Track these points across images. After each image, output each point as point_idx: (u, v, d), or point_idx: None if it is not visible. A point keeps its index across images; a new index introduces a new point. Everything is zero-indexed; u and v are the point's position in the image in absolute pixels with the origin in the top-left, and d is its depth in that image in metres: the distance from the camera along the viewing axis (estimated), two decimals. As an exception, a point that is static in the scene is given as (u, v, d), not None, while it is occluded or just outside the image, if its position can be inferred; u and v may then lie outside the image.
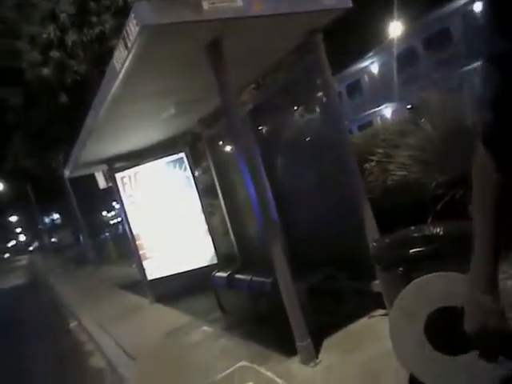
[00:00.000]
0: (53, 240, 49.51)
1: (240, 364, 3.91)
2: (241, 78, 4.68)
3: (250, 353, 4.08)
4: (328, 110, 4.14)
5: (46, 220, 52.94)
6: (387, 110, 28.12)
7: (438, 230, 2.86)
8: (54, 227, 54.85)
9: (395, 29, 25.63)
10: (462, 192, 3.51)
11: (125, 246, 12.29)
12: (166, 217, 7.35)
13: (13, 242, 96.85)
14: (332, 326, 3.97)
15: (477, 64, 19.65)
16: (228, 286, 5.20)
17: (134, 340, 5.66)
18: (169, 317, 6.34)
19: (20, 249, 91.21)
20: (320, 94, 4.19)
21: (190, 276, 7.25)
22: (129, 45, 3.27)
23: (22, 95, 17.76)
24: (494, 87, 1.05)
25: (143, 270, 7.46)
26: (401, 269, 2.94)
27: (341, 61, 19.78)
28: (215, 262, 7.03)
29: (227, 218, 6.55)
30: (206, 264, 7.06)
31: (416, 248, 2.86)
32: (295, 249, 4.84)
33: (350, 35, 23.62)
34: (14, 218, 63.66)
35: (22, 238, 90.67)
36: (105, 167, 8.14)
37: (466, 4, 22.72)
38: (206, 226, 7.18)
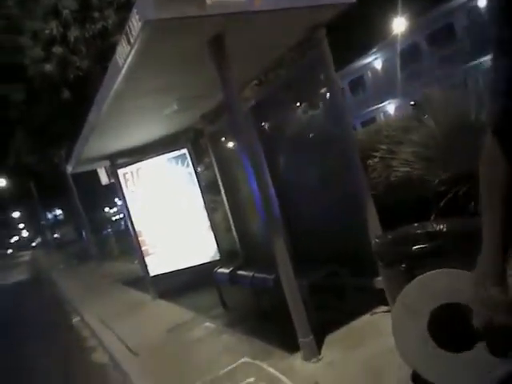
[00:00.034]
0: (55, 236, 49.63)
1: (242, 360, 3.92)
2: (243, 73, 4.67)
3: (252, 349, 4.08)
4: (331, 106, 4.13)
5: (49, 216, 53.10)
6: (390, 107, 28.02)
7: (441, 226, 2.85)
8: (56, 223, 54.96)
9: (399, 25, 25.50)
10: (466, 189, 3.49)
11: (127, 242, 12.31)
12: (169, 213, 7.35)
13: (16, 238, 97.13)
14: (334, 323, 3.97)
15: (481, 60, 19.68)
16: (230, 282, 5.20)
17: (136, 336, 5.67)
18: (171, 313, 6.36)
19: (23, 244, 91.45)
20: (323, 89, 4.17)
21: (192, 272, 7.26)
22: (131, 40, 3.26)
23: (25, 91, 17.78)
24: (504, 76, 1.04)
25: (145, 266, 7.47)
26: (403, 265, 2.93)
27: (344, 56, 19.70)
28: (217, 258, 7.02)
29: (229, 214, 6.54)
30: (209, 260, 7.06)
31: (419, 244, 2.86)
32: (298, 245, 4.84)
33: (354, 31, 23.55)
34: (16, 214, 63.83)
35: (25, 233, 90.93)
36: (107, 163, 8.14)
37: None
38: (209, 222, 7.17)
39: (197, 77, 4.34)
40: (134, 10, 3.01)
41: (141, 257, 7.52)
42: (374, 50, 28.63)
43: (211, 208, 7.47)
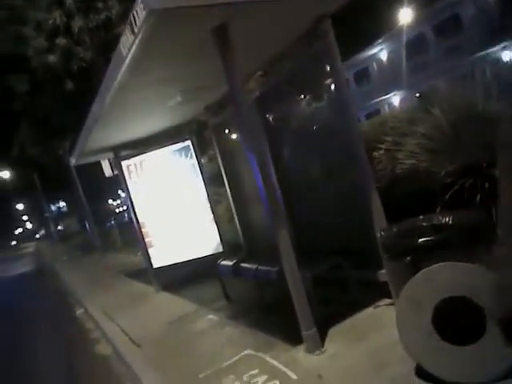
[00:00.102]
0: (59, 228, 49.84)
1: (245, 352, 3.92)
2: (247, 64, 4.62)
3: (255, 341, 4.08)
4: (337, 97, 4.09)
5: (53, 208, 53.28)
6: (395, 98, 27.85)
7: (447, 219, 2.83)
8: (60, 215, 55.20)
9: (405, 15, 25.26)
10: (472, 181, 3.46)
11: (130, 234, 12.34)
12: (172, 205, 7.35)
13: (19, 230, 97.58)
14: (338, 315, 3.97)
15: (488, 50, 19.50)
16: (233, 275, 5.20)
17: (139, 328, 5.68)
18: (174, 305, 6.36)
19: (27, 236, 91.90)
20: (329, 81, 4.13)
21: (195, 264, 7.25)
22: (135, 30, 3.23)
23: (28, 82, 17.75)
24: None
25: (149, 257, 7.48)
26: (408, 258, 2.92)
27: (349, 47, 19.54)
28: (221, 250, 7.02)
29: (233, 207, 6.53)
30: (212, 252, 7.05)
31: (424, 237, 2.83)
32: (302, 237, 4.82)
33: (359, 21, 23.36)
34: (20, 206, 64.04)
35: (29, 225, 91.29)
36: (111, 155, 8.13)
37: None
38: (212, 215, 7.16)
39: (201, 68, 4.31)
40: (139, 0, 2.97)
41: (144, 249, 7.53)
42: (380, 40, 28.40)
43: (214, 200, 7.46)
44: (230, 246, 7.04)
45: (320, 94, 4.40)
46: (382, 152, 4.40)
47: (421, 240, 2.84)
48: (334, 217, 4.51)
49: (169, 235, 7.41)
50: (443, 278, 2.64)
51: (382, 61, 29.64)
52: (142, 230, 7.48)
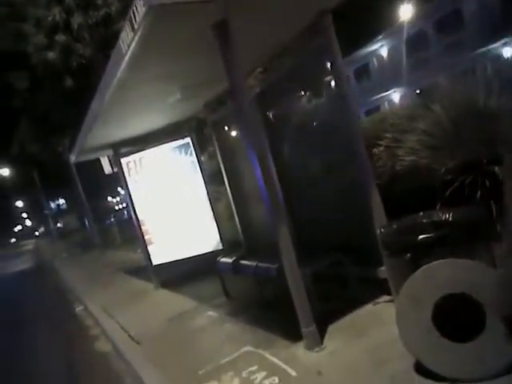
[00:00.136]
0: (58, 225, 49.82)
1: (245, 349, 3.92)
2: (247, 60, 4.60)
3: (254, 338, 4.08)
4: (337, 94, 4.07)
5: (52, 205, 53.25)
6: (395, 95, 27.81)
7: (447, 216, 2.82)
8: (59, 212, 55.18)
9: (406, 11, 25.17)
10: (472, 177, 3.45)
11: (130, 231, 12.34)
12: (172, 202, 7.34)
13: (19, 227, 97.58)
14: (337, 312, 3.97)
15: (489, 47, 19.44)
16: (233, 272, 5.19)
17: (138, 325, 5.68)
18: (174, 302, 6.36)
19: (26, 234, 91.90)
20: (329, 77, 4.11)
21: (195, 261, 7.25)
22: (135, 26, 3.22)
23: (28, 79, 17.72)
24: None
25: (148, 255, 7.48)
26: (408, 255, 2.91)
27: (349, 44, 19.49)
28: (220, 247, 7.02)
29: (233, 204, 6.52)
30: (211, 250, 7.05)
31: (425, 234, 2.83)
32: (302, 234, 4.82)
33: (360, 17, 23.26)
34: (20, 203, 63.99)
35: (28, 223, 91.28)
36: (110, 152, 8.11)
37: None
38: (212, 212, 7.15)
39: (201, 64, 4.29)
40: (138, -5, 2.96)
41: (143, 246, 7.52)
42: (380, 37, 28.33)
43: (214, 197, 7.45)
44: (229, 243, 7.04)
45: (320, 90, 4.39)
46: (381, 149, 4.39)
47: (421, 237, 2.83)
48: (333, 213, 4.50)
49: (168, 232, 7.41)
50: (443, 275, 2.63)
51: (382, 57, 29.60)
52: (142, 227, 7.47)
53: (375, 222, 3.75)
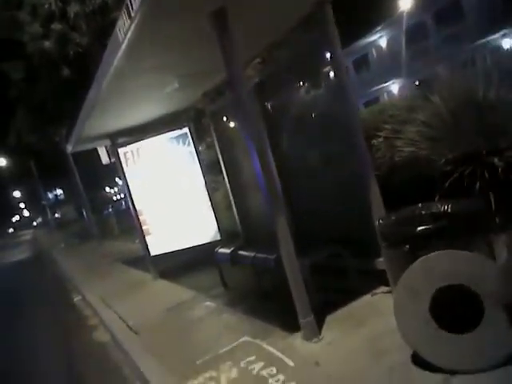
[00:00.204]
0: (56, 215, 49.80)
1: (243, 339, 3.93)
2: (246, 50, 4.56)
3: (252, 328, 4.09)
4: (336, 85, 4.03)
5: (50, 195, 53.17)
6: (394, 86, 27.71)
7: (446, 207, 2.82)
8: (57, 203, 55.12)
9: (405, 2, 24.98)
10: (471, 169, 3.44)
11: (128, 221, 12.31)
12: (169, 192, 7.32)
13: (17, 218, 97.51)
14: (335, 303, 3.97)
15: (489, 38, 19.33)
16: (231, 262, 5.19)
17: (137, 315, 5.69)
18: (172, 292, 6.37)
19: (24, 224, 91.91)
20: (329, 68, 4.08)
21: (193, 252, 7.26)
22: (132, 14, 3.19)
23: (24, 69, 17.58)
24: None
25: (146, 245, 7.47)
26: (407, 246, 2.91)
27: (349, 34, 19.35)
28: (218, 238, 7.01)
29: (231, 194, 6.51)
30: (209, 240, 7.04)
31: (423, 225, 2.83)
32: (300, 225, 4.81)
33: (359, 8, 23.10)
34: (17, 194, 63.86)
35: (26, 213, 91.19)
36: (107, 142, 8.07)
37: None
38: (210, 202, 7.13)
39: (199, 53, 4.25)
40: (135, -18, 2.92)
41: (141, 236, 7.51)
42: (380, 27, 28.16)
43: (212, 188, 7.43)
44: (227, 234, 7.03)
45: (319, 81, 4.35)
46: (381, 140, 4.37)
47: (419, 228, 2.83)
48: (332, 205, 4.49)
49: (166, 223, 7.39)
50: (441, 266, 2.63)
51: (381, 48, 29.44)
52: (140, 217, 7.46)
53: (374, 214, 3.74)
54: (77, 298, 8.55)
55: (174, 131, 7.18)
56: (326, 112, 4.34)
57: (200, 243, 7.14)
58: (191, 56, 4.34)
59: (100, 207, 29.51)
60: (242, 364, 3.47)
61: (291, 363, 3.27)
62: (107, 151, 10.98)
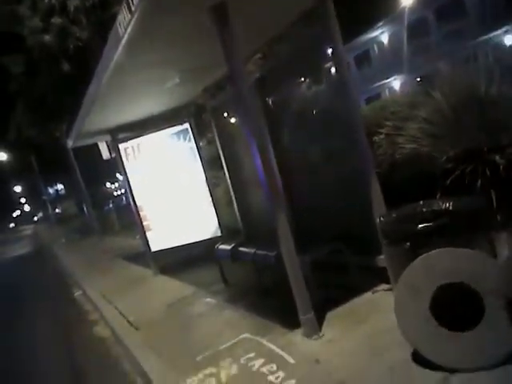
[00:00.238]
0: (57, 211, 49.82)
1: (243, 336, 3.92)
2: (247, 46, 4.54)
3: (252, 325, 4.09)
4: (338, 80, 4.01)
5: (50, 191, 53.18)
6: (396, 83, 27.61)
7: (447, 204, 2.80)
8: (58, 198, 55.07)
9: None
10: (473, 166, 3.42)
11: (128, 217, 12.31)
12: (170, 188, 7.31)
13: (18, 212, 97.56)
14: (336, 300, 3.96)
15: (491, 34, 19.23)
16: (232, 259, 5.19)
17: (137, 310, 5.69)
18: (172, 288, 6.38)
19: (25, 219, 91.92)
20: (330, 64, 4.05)
21: (193, 248, 7.26)
22: (132, 8, 3.16)
23: (24, 63, 17.54)
24: None
25: (147, 241, 7.47)
26: (408, 244, 2.90)
27: (350, 30, 19.26)
28: (219, 234, 7.01)
29: (231, 191, 6.50)
30: (210, 236, 7.04)
31: (424, 223, 2.81)
32: (301, 222, 4.80)
33: (361, 3, 22.96)
34: (18, 189, 63.84)
35: (27, 208, 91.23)
36: (108, 137, 8.05)
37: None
38: (210, 198, 7.12)
39: (199, 48, 4.23)
40: (135, -23, 2.90)
41: (142, 232, 7.51)
42: (381, 23, 28.03)
43: (213, 184, 7.41)
44: (228, 230, 7.03)
45: (321, 77, 4.33)
46: (382, 136, 4.35)
47: (420, 226, 2.82)
48: (333, 201, 4.48)
49: (167, 219, 7.39)
50: (442, 264, 2.62)
51: (383, 44, 29.32)
52: (140, 213, 7.45)
53: (375, 211, 3.73)
54: (77, 293, 8.57)
55: (175, 127, 7.16)
56: (327, 108, 4.32)
57: (200, 239, 7.13)
58: (192, 51, 4.32)
59: (101, 202, 29.45)
60: (242, 360, 3.47)
61: (291, 360, 3.26)
62: (108, 146, 10.96)
